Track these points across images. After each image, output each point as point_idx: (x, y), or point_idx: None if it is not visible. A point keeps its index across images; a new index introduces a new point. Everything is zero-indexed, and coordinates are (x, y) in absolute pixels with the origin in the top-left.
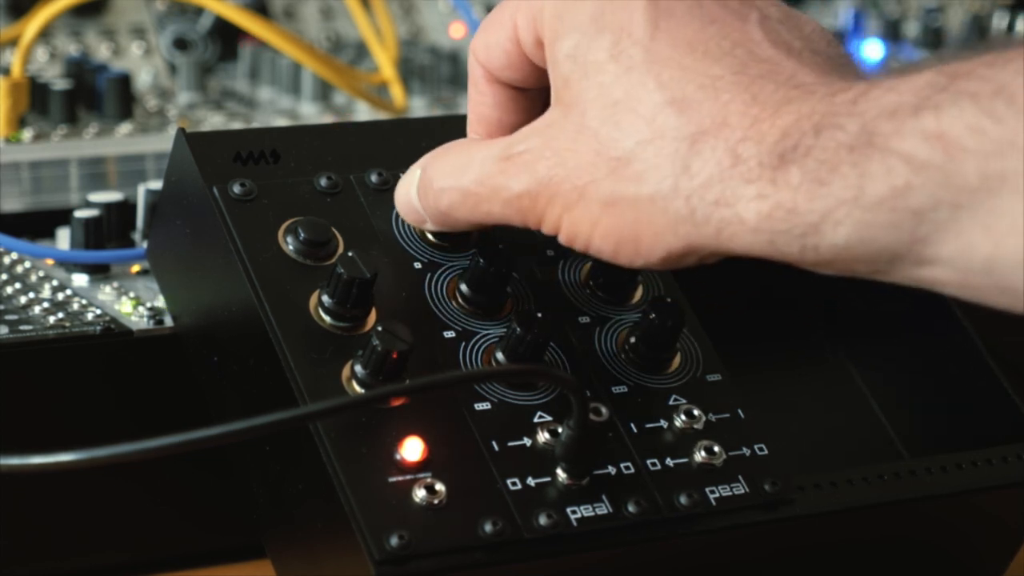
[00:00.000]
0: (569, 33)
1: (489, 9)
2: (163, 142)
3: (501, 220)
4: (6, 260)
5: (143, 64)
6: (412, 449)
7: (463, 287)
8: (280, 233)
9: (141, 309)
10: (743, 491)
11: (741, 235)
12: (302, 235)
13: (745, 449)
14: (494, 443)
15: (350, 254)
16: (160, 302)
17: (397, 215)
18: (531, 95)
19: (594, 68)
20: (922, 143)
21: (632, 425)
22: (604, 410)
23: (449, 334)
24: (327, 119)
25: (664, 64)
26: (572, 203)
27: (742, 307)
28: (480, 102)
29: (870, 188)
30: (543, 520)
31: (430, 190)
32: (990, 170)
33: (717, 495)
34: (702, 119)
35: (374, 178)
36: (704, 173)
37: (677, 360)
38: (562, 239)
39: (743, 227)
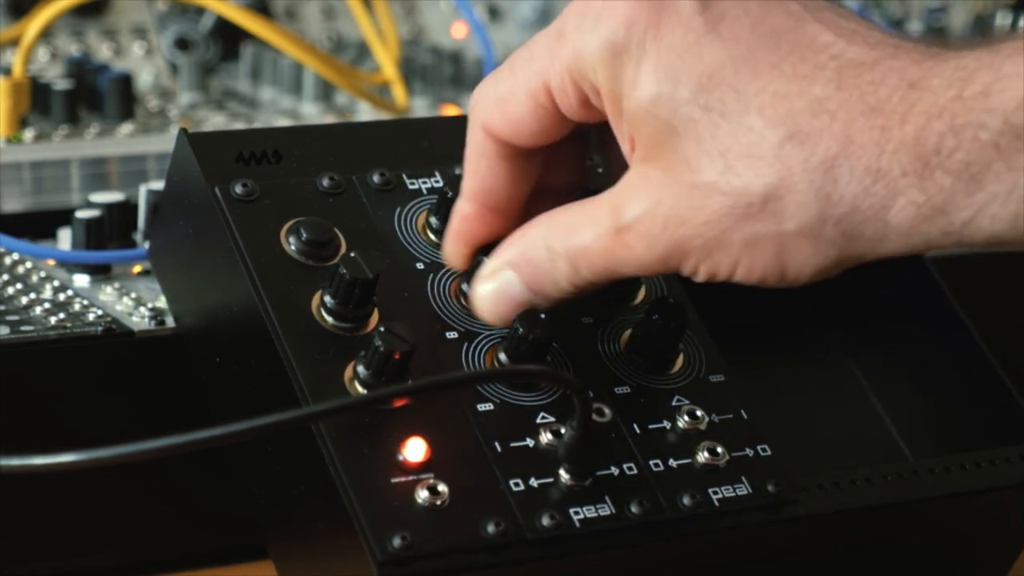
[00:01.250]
0: (641, 88)
1: (491, 10)
2: (164, 142)
3: (636, 275)
4: (7, 261)
5: (144, 64)
6: (414, 450)
7: (466, 287)
8: (282, 233)
9: (142, 310)
10: (746, 492)
11: (894, 240)
12: (304, 235)
13: (748, 450)
14: (496, 444)
15: (352, 254)
16: (161, 303)
17: (399, 215)
18: (535, 157)
19: (685, 123)
20: None
21: (635, 426)
22: (607, 411)
23: (451, 335)
24: (329, 119)
25: (760, 97)
26: (709, 252)
27: (744, 307)
28: (483, 173)
29: (1021, 181)
30: (546, 521)
31: (560, 277)
32: None
33: (720, 496)
34: (828, 145)
35: (376, 178)
36: (848, 197)
37: (680, 361)
38: (700, 279)
39: (898, 235)
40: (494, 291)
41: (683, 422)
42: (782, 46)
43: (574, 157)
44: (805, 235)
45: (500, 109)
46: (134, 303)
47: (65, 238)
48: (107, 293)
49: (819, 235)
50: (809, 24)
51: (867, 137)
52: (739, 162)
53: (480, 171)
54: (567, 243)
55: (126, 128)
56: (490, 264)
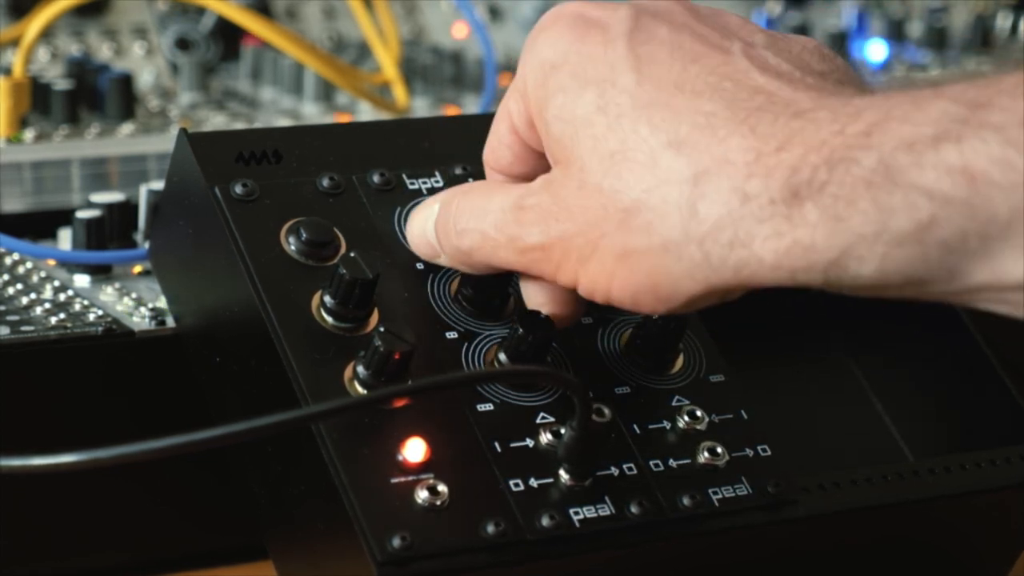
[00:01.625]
0: (553, 96)
1: (491, 10)
2: (165, 142)
3: (517, 268)
4: (7, 261)
5: (145, 64)
6: (414, 450)
7: (465, 288)
8: (282, 233)
9: (143, 310)
10: (746, 492)
11: (761, 273)
12: (304, 235)
13: (748, 450)
14: (496, 444)
15: (352, 255)
16: (162, 303)
17: (399, 215)
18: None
19: (583, 123)
20: (945, 176)
21: (635, 426)
22: (607, 411)
23: (451, 335)
24: (329, 119)
25: (653, 107)
26: (586, 257)
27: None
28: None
29: (893, 223)
30: (545, 521)
31: (451, 228)
32: (1020, 202)
33: (720, 496)
34: (702, 158)
35: (376, 178)
36: (713, 215)
37: (680, 361)
38: (580, 292)
39: (762, 266)
40: (419, 217)
41: (683, 422)
42: (691, 69)
43: None
44: (671, 252)
45: (488, 144)
46: (134, 303)
47: (65, 238)
48: (107, 293)
49: (683, 254)
50: (732, 56)
51: (742, 158)
52: (622, 166)
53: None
54: (475, 201)
55: (126, 128)
56: (436, 195)
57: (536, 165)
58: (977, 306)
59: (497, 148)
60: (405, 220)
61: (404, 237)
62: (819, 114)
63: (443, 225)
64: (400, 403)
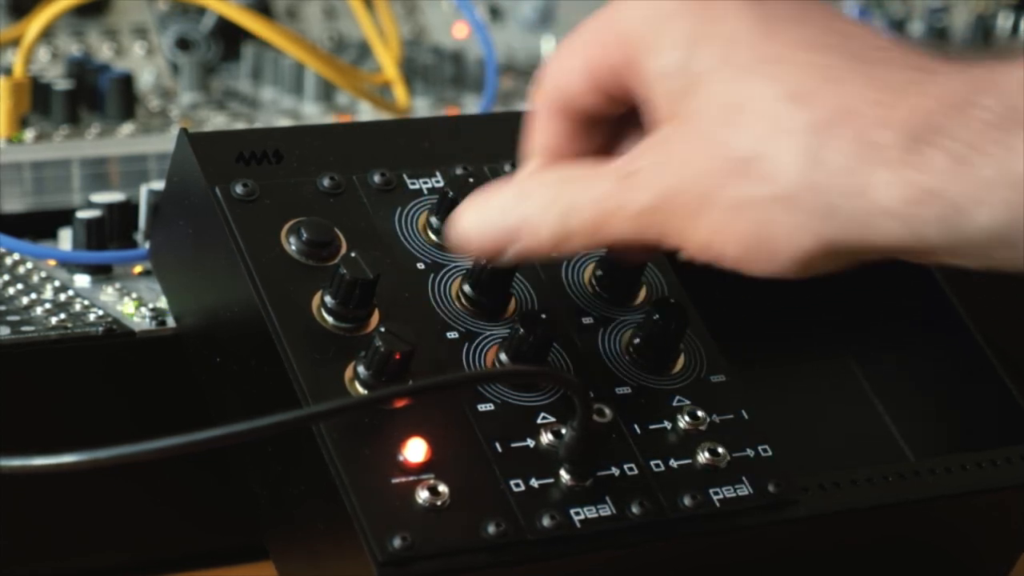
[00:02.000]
0: (669, 49)
1: (492, 10)
2: (165, 142)
3: (623, 239)
4: (8, 261)
5: (145, 64)
6: (415, 450)
7: (466, 288)
8: (282, 233)
9: (143, 310)
10: (747, 492)
11: (881, 223)
12: (304, 235)
13: (749, 450)
14: (497, 444)
15: (353, 255)
16: (162, 303)
17: (400, 215)
18: (598, 127)
19: (702, 79)
20: None
21: (635, 426)
22: (607, 411)
23: (452, 335)
24: (330, 119)
25: (776, 62)
26: (696, 212)
27: (746, 307)
28: (545, 131)
29: (1019, 166)
30: (546, 521)
31: (550, 214)
32: None
33: (721, 496)
34: (826, 109)
35: (377, 178)
36: (836, 163)
37: (681, 361)
38: (689, 252)
39: (883, 215)
40: (483, 206)
41: (684, 422)
42: (807, 22)
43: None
44: (789, 202)
45: (557, 64)
46: (135, 303)
47: (66, 238)
48: (108, 293)
49: (802, 205)
50: (841, 18)
51: (866, 108)
52: (739, 117)
53: (540, 127)
54: (575, 189)
55: (127, 128)
56: (490, 186)
57: (606, 100)
58: None
59: (571, 72)
60: (408, 221)
61: (405, 239)
62: (939, 67)
63: (536, 208)
64: (401, 403)
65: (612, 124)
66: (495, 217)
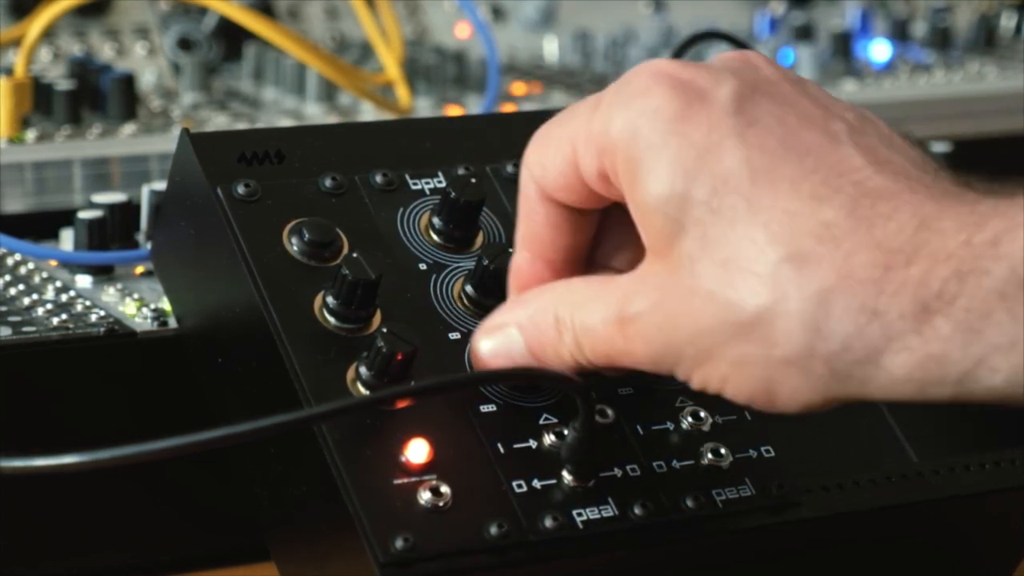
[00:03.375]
0: (655, 182)
1: (494, 10)
2: (167, 143)
3: (639, 369)
4: (9, 261)
5: (147, 64)
6: (417, 451)
7: (468, 288)
8: (284, 234)
9: (145, 310)
10: (749, 493)
11: (888, 387)
12: (306, 236)
13: (751, 451)
14: (499, 445)
15: (355, 255)
16: (164, 303)
17: (402, 216)
18: (588, 215)
19: (694, 223)
20: None
21: (638, 427)
22: (610, 412)
23: (454, 335)
24: (332, 119)
25: (770, 212)
26: (700, 362)
27: None
28: (533, 220)
29: None
30: (548, 522)
31: (562, 349)
32: None
33: (723, 497)
34: (825, 274)
35: (379, 179)
36: (840, 334)
37: None
38: (694, 388)
39: (891, 380)
40: (494, 347)
41: (686, 423)
42: (806, 163)
43: (633, 240)
44: (793, 365)
45: (537, 155)
46: (137, 304)
47: (67, 239)
48: (109, 294)
49: (807, 369)
50: (844, 147)
51: (868, 274)
52: (737, 276)
53: (525, 214)
54: (575, 318)
55: (128, 128)
56: (496, 318)
57: (587, 198)
58: None
59: (549, 169)
60: (410, 221)
61: (407, 239)
62: (944, 224)
63: (546, 349)
64: (403, 404)
65: (598, 213)
66: (500, 355)
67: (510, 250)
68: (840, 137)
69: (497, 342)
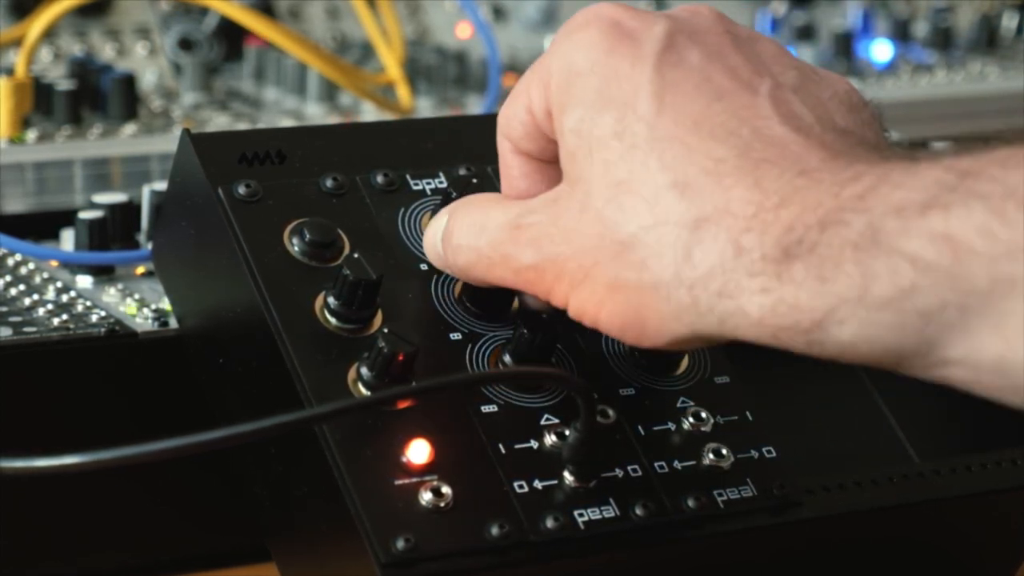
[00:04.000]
0: (574, 107)
1: (495, 10)
2: (168, 143)
3: (512, 286)
4: (10, 261)
5: (148, 64)
6: (418, 451)
7: (469, 289)
8: (285, 234)
9: (146, 311)
10: (751, 494)
11: (745, 327)
12: (307, 236)
13: (753, 452)
14: (501, 446)
15: (356, 256)
16: (165, 304)
17: (403, 216)
18: (557, 167)
19: (598, 144)
20: (928, 244)
21: (639, 427)
22: (611, 412)
23: (455, 336)
24: (333, 120)
25: (668, 143)
26: (578, 282)
27: None
28: (509, 174)
29: (875, 288)
30: (550, 523)
31: (449, 244)
32: (1000, 273)
33: (725, 498)
34: (704, 205)
35: (380, 179)
36: (706, 263)
37: (685, 362)
38: (570, 314)
39: (746, 320)
40: (431, 228)
41: (688, 424)
42: (714, 107)
43: None
44: (660, 291)
45: (504, 109)
46: (137, 304)
47: (68, 239)
48: (110, 294)
49: (672, 296)
50: (758, 97)
51: (741, 210)
52: (625, 198)
53: (502, 172)
54: (476, 215)
55: (129, 128)
56: (450, 205)
57: (545, 146)
58: (953, 384)
59: (512, 119)
60: (411, 222)
61: (408, 239)
62: (822, 175)
63: (446, 239)
64: (404, 404)
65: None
66: (430, 238)
67: None
68: (759, 90)
69: (433, 224)
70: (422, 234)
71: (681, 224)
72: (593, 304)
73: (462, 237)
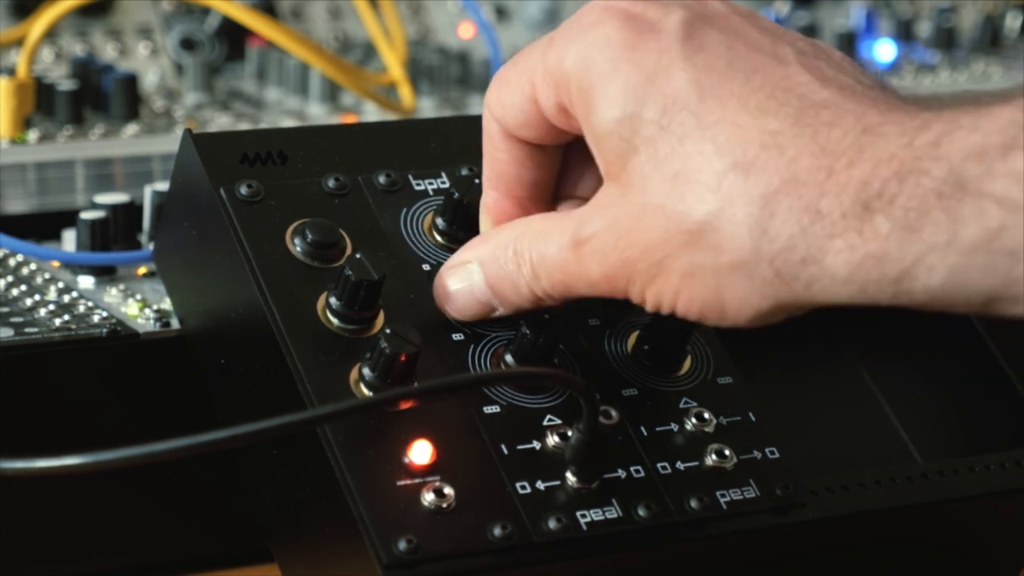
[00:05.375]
0: (608, 108)
1: (498, 10)
2: (170, 143)
3: (594, 296)
4: (11, 262)
5: (150, 64)
6: (420, 452)
7: None
8: (288, 235)
9: (147, 311)
10: (754, 495)
11: (832, 288)
12: (310, 237)
13: (756, 452)
14: (503, 446)
15: (358, 256)
16: (167, 304)
17: (405, 216)
18: (549, 151)
19: (645, 142)
20: (1014, 184)
21: (642, 428)
22: (614, 413)
23: (458, 336)
24: (335, 120)
25: (719, 126)
26: (652, 279)
27: None
28: (497, 158)
29: (963, 232)
30: (552, 524)
31: (519, 281)
32: None
33: (728, 499)
34: (770, 179)
35: (382, 179)
36: (784, 234)
37: (688, 363)
38: (649, 309)
39: (834, 280)
40: (456, 283)
41: (691, 424)
42: (753, 81)
43: (595, 174)
44: (740, 270)
45: (497, 95)
46: (139, 305)
47: (70, 239)
48: (112, 295)
49: (754, 272)
50: (791, 66)
51: (812, 177)
52: (685, 187)
53: (490, 153)
54: (532, 249)
55: (131, 129)
56: (459, 255)
57: (545, 133)
58: None
59: (510, 107)
60: (414, 222)
61: (411, 240)
62: (888, 128)
63: (503, 281)
64: (406, 405)
65: (560, 148)
66: (462, 291)
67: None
68: (787, 59)
69: (459, 278)
70: (424, 234)
71: (750, 202)
72: (669, 294)
73: (532, 269)
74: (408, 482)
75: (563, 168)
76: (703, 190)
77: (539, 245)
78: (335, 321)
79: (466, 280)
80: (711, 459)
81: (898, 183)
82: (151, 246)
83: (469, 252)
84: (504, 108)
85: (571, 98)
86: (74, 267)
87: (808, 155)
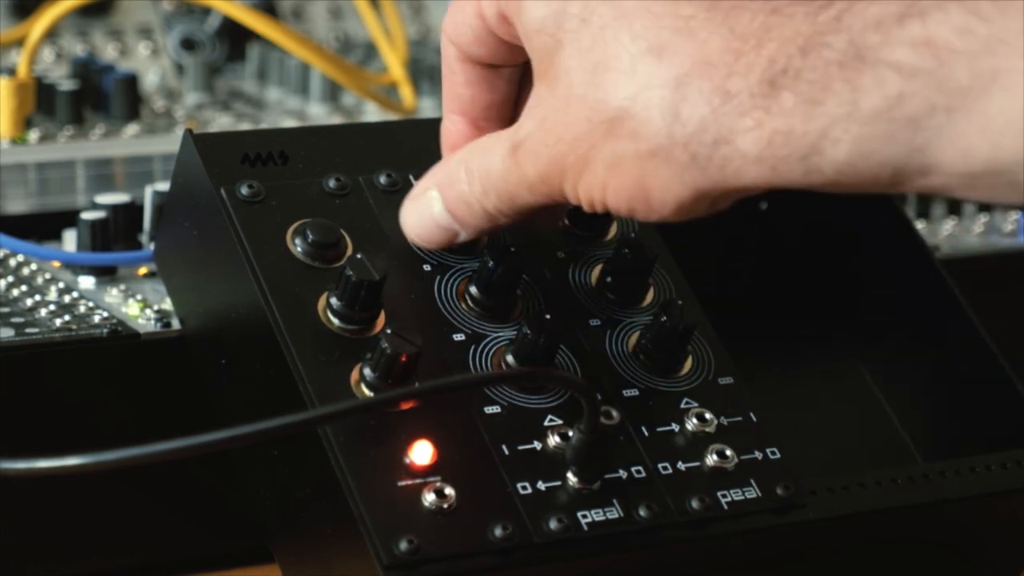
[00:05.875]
0: (536, 7)
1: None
2: (170, 143)
3: (537, 204)
4: (12, 262)
5: (150, 64)
6: (421, 453)
7: (472, 289)
8: (288, 235)
9: (148, 312)
10: (755, 495)
11: (745, 168)
12: (310, 237)
13: (757, 453)
14: (504, 447)
15: (359, 256)
16: (167, 304)
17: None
18: (503, 72)
19: (568, 36)
20: (911, 50)
21: (643, 428)
22: (615, 413)
23: (459, 337)
24: (336, 120)
25: (634, 15)
26: (580, 173)
27: (754, 309)
28: (453, 81)
29: (864, 101)
30: (553, 524)
31: (472, 200)
32: (980, 68)
33: (729, 499)
34: (683, 62)
35: (383, 179)
36: (696, 116)
37: (689, 363)
38: (585, 208)
39: (745, 160)
40: (418, 211)
41: (692, 425)
42: None
43: None
44: (658, 156)
45: (450, 16)
46: (140, 305)
47: (70, 240)
48: (112, 295)
49: (671, 158)
50: None
51: (721, 59)
52: (604, 75)
53: (447, 77)
54: (480, 165)
55: (132, 129)
56: (420, 183)
57: (495, 50)
58: (952, 194)
59: (460, 25)
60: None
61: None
62: (795, 8)
63: (458, 202)
64: (407, 405)
65: (516, 69)
66: (424, 219)
67: (512, 249)
68: None
69: (420, 205)
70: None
71: (663, 85)
72: (599, 188)
73: (481, 186)
74: (409, 482)
75: (521, 94)
76: (620, 76)
77: (485, 160)
78: (336, 321)
79: (426, 207)
80: (712, 459)
81: (801, 58)
82: (152, 246)
83: (428, 179)
84: (456, 27)
85: (507, 5)
86: (75, 267)
87: (718, 37)
